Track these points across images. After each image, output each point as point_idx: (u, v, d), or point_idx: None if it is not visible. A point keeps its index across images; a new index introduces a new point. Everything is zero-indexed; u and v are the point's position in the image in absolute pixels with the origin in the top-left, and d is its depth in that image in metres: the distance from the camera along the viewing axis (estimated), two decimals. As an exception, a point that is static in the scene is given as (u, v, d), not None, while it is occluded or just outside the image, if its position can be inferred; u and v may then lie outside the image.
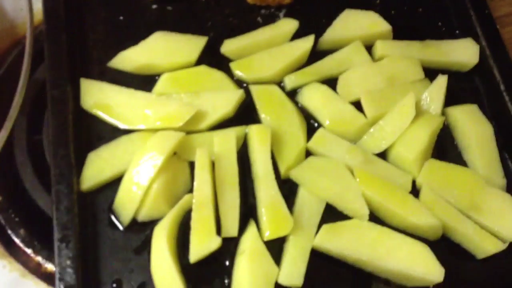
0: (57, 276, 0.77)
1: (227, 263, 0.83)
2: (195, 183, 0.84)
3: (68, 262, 0.78)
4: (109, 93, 0.93)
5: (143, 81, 0.96)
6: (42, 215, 0.90)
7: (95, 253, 0.82)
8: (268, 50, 0.99)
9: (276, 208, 0.84)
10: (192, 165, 0.88)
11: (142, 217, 0.84)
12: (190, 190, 0.86)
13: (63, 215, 0.81)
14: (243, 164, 0.90)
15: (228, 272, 0.83)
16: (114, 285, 0.81)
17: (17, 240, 0.89)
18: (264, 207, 0.84)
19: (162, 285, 0.79)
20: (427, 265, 0.81)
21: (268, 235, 0.82)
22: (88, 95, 0.92)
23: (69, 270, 0.77)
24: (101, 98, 0.92)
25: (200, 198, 0.83)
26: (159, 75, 0.96)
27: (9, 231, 0.89)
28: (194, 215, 0.82)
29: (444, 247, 0.86)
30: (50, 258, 0.87)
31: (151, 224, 0.84)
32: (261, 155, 0.88)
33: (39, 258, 0.88)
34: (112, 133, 0.90)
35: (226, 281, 0.82)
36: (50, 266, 0.87)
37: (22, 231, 0.89)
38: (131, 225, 0.85)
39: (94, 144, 0.89)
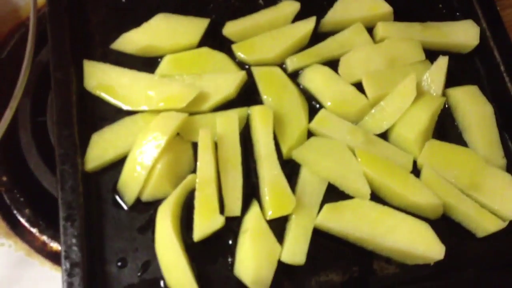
0: (62, 254, 0.78)
1: (230, 242, 0.84)
2: (198, 163, 0.85)
3: (74, 241, 0.78)
4: (112, 74, 0.93)
5: (145, 63, 0.96)
6: (47, 195, 0.91)
7: (100, 232, 0.83)
8: (269, 32, 0.99)
9: (279, 187, 0.85)
10: (195, 145, 0.88)
11: (146, 197, 0.85)
12: (193, 171, 0.87)
13: (68, 194, 0.81)
14: (245, 145, 0.90)
15: (231, 250, 0.84)
16: (119, 263, 0.82)
17: (22, 220, 0.90)
18: (267, 186, 0.85)
19: (167, 263, 0.80)
20: (428, 243, 0.82)
21: (271, 214, 0.83)
22: (91, 77, 0.93)
23: (75, 248, 0.78)
24: (104, 80, 0.93)
25: (204, 178, 0.84)
26: (161, 57, 0.96)
27: (15, 211, 0.90)
28: (197, 194, 0.83)
29: (445, 226, 0.87)
30: (55, 237, 0.88)
31: (155, 204, 0.85)
32: (264, 136, 0.89)
33: (44, 238, 0.88)
34: (115, 114, 0.91)
35: (229, 259, 0.83)
36: (55, 245, 0.88)
37: (27, 211, 0.90)
38: (135, 205, 0.85)
39: (97, 125, 0.90)
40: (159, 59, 0.96)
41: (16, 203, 0.91)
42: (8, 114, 0.79)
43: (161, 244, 0.81)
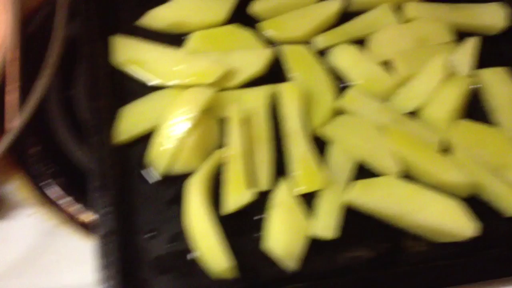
0: (96, 223, 0.78)
1: (257, 216, 0.84)
2: (228, 138, 0.85)
3: (105, 210, 0.78)
4: (140, 50, 0.93)
5: (172, 40, 0.96)
6: (76, 166, 0.91)
7: (128, 205, 0.83)
8: (297, 10, 0.99)
9: (308, 163, 0.85)
10: (222, 122, 0.88)
11: (174, 170, 0.85)
12: (221, 146, 0.87)
13: (98, 165, 0.82)
14: (273, 123, 0.90)
15: (259, 225, 0.83)
16: (148, 235, 0.81)
17: (53, 190, 0.89)
18: (296, 162, 0.85)
19: (197, 234, 0.79)
20: (460, 220, 0.81)
21: (301, 189, 0.83)
22: (119, 52, 0.93)
23: (108, 216, 0.78)
24: (132, 55, 0.93)
25: (233, 153, 0.84)
26: (187, 34, 0.96)
27: (45, 182, 0.90)
28: (227, 169, 0.83)
29: (473, 205, 0.86)
30: (85, 208, 0.88)
31: (181, 178, 0.84)
32: (293, 112, 0.89)
33: (74, 208, 0.88)
34: (143, 89, 0.91)
35: (257, 234, 0.83)
36: (85, 216, 0.88)
37: (57, 182, 0.90)
38: (163, 179, 0.85)
39: (126, 100, 0.90)
40: (183, 37, 0.96)
41: (47, 174, 0.90)
42: (43, 81, 0.79)
43: (192, 216, 0.80)
